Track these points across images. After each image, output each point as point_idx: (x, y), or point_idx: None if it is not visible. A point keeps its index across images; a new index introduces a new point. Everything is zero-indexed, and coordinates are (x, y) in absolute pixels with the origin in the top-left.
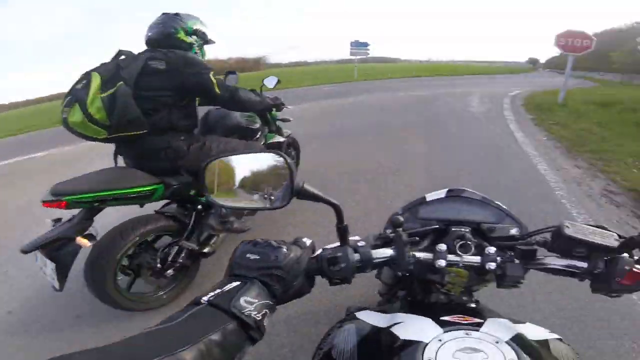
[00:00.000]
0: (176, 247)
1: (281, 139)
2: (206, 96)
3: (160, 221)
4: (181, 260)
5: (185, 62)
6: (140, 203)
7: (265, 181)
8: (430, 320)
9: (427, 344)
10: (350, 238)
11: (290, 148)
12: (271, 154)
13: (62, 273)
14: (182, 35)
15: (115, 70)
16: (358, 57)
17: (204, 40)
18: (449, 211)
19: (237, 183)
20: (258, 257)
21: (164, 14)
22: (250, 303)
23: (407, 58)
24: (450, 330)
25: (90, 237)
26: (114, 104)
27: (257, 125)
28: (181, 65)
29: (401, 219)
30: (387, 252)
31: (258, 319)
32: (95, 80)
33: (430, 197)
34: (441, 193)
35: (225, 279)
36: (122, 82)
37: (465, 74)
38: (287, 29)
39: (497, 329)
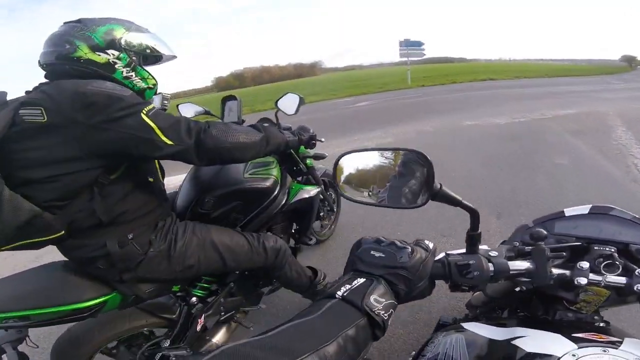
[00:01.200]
0: (159, 355)
1: (313, 192)
2: (147, 153)
3: (138, 319)
4: None
5: (81, 102)
6: (84, 319)
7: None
8: (559, 335)
9: (559, 358)
10: (480, 247)
11: (329, 190)
12: (412, 153)
13: None
14: (84, 52)
15: None
16: (411, 58)
17: (140, 54)
18: (591, 229)
19: (368, 179)
20: (383, 256)
21: (65, 23)
22: (379, 302)
23: (475, 57)
24: (586, 347)
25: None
26: None
27: (270, 182)
28: (72, 108)
29: (544, 232)
30: (524, 264)
31: (385, 317)
32: None
33: (569, 212)
34: (583, 209)
35: (351, 275)
36: None
37: (551, 76)
38: (344, 30)
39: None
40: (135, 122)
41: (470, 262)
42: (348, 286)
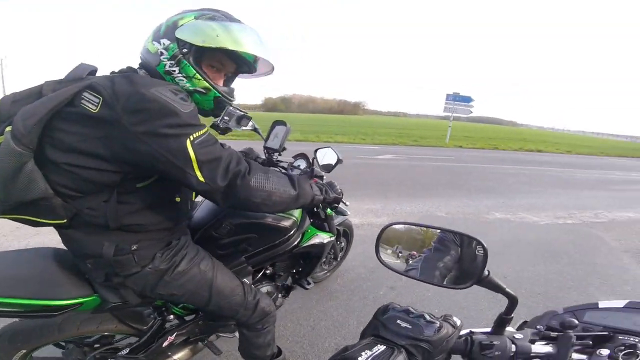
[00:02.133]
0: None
1: (326, 240)
2: (175, 179)
3: (108, 324)
4: None
5: (134, 105)
6: (51, 317)
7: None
8: None
9: None
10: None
11: (339, 240)
12: (471, 239)
13: None
14: (149, 40)
15: (28, 101)
16: (455, 114)
17: (195, 46)
18: (623, 321)
19: (405, 248)
20: (410, 327)
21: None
22: None
23: (526, 123)
24: None
25: None
26: None
27: (290, 222)
28: (123, 108)
29: (576, 322)
30: (546, 348)
31: None
32: None
33: (604, 304)
34: (619, 303)
35: (371, 340)
36: (10, 127)
37: (606, 154)
38: (395, 73)
39: None
40: (177, 146)
41: (495, 342)
42: (369, 352)
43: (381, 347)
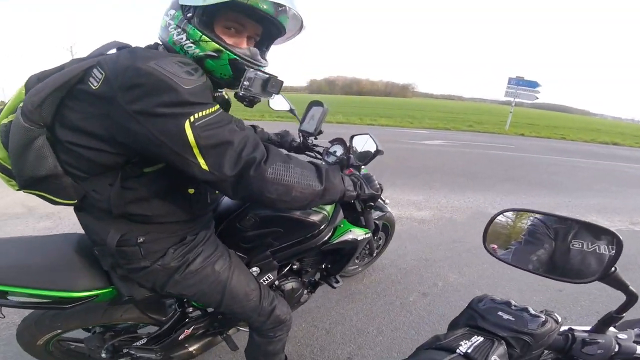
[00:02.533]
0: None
1: (361, 236)
2: (178, 168)
3: (129, 313)
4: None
5: (129, 80)
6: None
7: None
8: None
9: None
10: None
11: (377, 234)
12: (605, 232)
13: None
14: (162, 19)
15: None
16: (518, 99)
17: (191, 13)
18: None
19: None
20: (512, 319)
21: None
22: None
23: (601, 112)
24: None
25: None
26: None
27: (319, 217)
28: (118, 84)
29: None
30: None
31: None
32: (15, 94)
33: None
34: None
35: (466, 330)
36: (22, 104)
37: None
38: (449, 54)
39: None
40: (174, 128)
41: (600, 340)
42: (468, 342)
43: (479, 338)
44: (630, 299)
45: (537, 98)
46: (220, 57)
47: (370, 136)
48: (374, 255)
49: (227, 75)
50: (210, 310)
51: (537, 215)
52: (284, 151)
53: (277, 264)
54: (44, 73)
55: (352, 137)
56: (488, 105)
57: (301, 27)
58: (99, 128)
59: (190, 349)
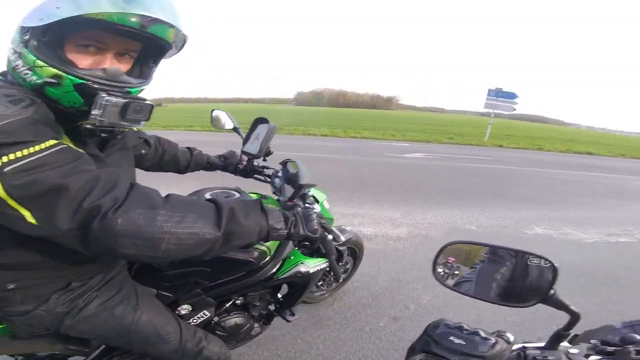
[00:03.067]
0: None
1: (314, 268)
2: (11, 227)
3: (56, 343)
4: None
5: None
6: None
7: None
8: None
9: None
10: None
11: (342, 260)
12: (536, 257)
13: None
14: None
15: None
16: (496, 111)
17: (28, 35)
18: None
19: (464, 270)
20: (463, 343)
21: None
22: None
23: (575, 122)
24: None
25: None
26: None
27: (256, 254)
28: None
29: (638, 337)
30: None
31: None
32: None
33: None
34: None
35: (423, 357)
36: None
37: None
38: (430, 67)
39: None
40: None
41: (550, 357)
42: None
43: None
44: (573, 318)
45: (515, 109)
46: (62, 84)
47: (298, 165)
48: (340, 281)
49: (77, 103)
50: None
51: (482, 249)
52: (235, 189)
53: (214, 300)
54: None
55: (284, 163)
56: (469, 117)
57: (184, 40)
58: None
59: None
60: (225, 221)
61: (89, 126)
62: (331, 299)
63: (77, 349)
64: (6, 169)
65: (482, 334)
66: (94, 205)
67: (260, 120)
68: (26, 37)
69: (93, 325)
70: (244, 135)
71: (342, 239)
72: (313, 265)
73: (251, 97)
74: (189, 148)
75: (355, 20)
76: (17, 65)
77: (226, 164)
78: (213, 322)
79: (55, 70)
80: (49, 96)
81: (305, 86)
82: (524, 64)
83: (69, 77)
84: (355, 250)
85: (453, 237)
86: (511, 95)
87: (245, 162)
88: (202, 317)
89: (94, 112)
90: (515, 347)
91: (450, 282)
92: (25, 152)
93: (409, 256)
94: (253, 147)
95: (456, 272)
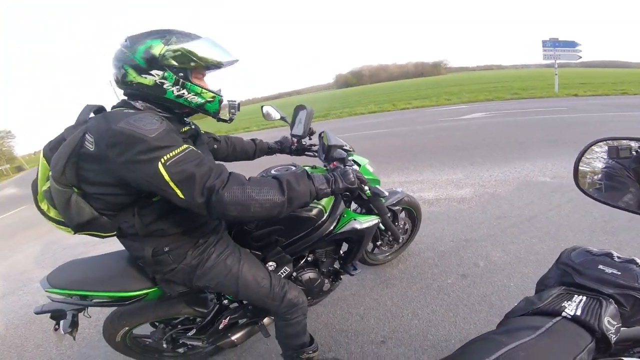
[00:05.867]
0: (180, 342)
1: (367, 224)
2: (168, 199)
3: (176, 307)
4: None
5: (110, 140)
6: (126, 306)
7: None
8: None
9: None
10: None
11: (397, 221)
12: None
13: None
14: (133, 75)
15: (58, 147)
16: (560, 61)
17: (186, 68)
18: None
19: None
20: (618, 273)
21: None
22: (612, 325)
23: (636, 61)
24: None
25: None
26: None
27: (315, 212)
28: (105, 144)
29: None
30: None
31: (614, 341)
32: (41, 165)
33: None
34: None
35: (563, 290)
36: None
37: None
38: (473, 21)
39: None
40: (152, 170)
41: None
42: (572, 304)
43: (582, 297)
44: None
45: (580, 57)
46: (214, 100)
47: (327, 133)
48: (401, 241)
49: (216, 110)
50: (245, 302)
51: (613, 159)
52: (292, 164)
53: (291, 257)
54: (51, 143)
55: (319, 136)
56: (532, 71)
57: (236, 61)
58: (109, 179)
59: (232, 337)
60: (286, 189)
61: (225, 118)
62: (396, 261)
63: (200, 310)
64: (168, 163)
65: (639, 261)
66: (211, 185)
67: (300, 107)
68: (181, 75)
69: (214, 275)
70: (289, 121)
71: (386, 193)
72: (365, 221)
73: (295, 90)
74: (252, 139)
75: None
76: (183, 94)
77: (282, 147)
78: (293, 276)
79: (212, 94)
80: (206, 109)
81: (343, 67)
82: (574, 8)
83: (217, 96)
84: (412, 212)
85: (524, 192)
86: (571, 44)
87: (295, 144)
88: (284, 272)
89: (231, 111)
90: None
91: (595, 191)
92: (174, 152)
93: (476, 215)
94: (298, 129)
95: (597, 186)
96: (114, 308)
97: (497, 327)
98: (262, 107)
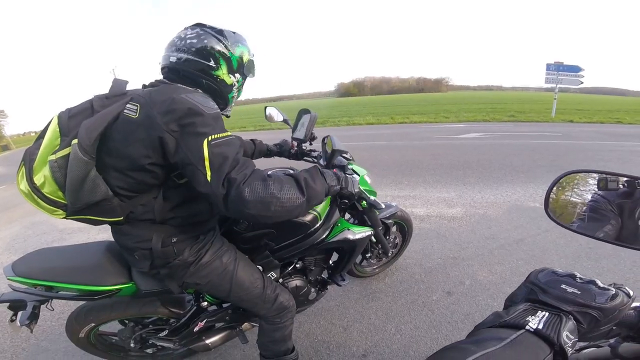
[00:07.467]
0: (149, 342)
1: (360, 234)
2: (189, 179)
3: (150, 306)
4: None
5: (167, 106)
6: (96, 301)
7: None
8: None
9: None
10: None
11: (389, 234)
12: None
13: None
14: (223, 72)
15: (83, 116)
16: (561, 85)
17: (246, 76)
18: None
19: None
20: (578, 292)
21: (197, 25)
22: (570, 339)
23: (634, 89)
24: None
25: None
26: (66, 173)
27: (309, 218)
28: (158, 110)
29: None
30: None
31: (570, 354)
32: (51, 131)
33: None
34: None
35: (528, 306)
36: (77, 140)
37: None
38: (482, 41)
39: None
40: (195, 143)
41: None
42: (535, 318)
43: (545, 313)
44: None
45: (582, 82)
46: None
47: (332, 137)
48: (390, 254)
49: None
50: (225, 305)
51: (599, 192)
52: (289, 168)
53: (278, 263)
54: (71, 110)
55: (323, 140)
56: (531, 94)
57: None
58: (143, 149)
59: (207, 341)
60: (305, 188)
61: (229, 114)
62: (383, 274)
63: (176, 311)
64: (213, 142)
65: (600, 284)
66: (234, 177)
67: (304, 111)
68: (244, 82)
69: (207, 272)
70: (292, 125)
71: (382, 206)
72: (358, 232)
73: (295, 94)
74: (252, 140)
75: (390, 4)
76: (235, 96)
77: (281, 150)
78: (278, 282)
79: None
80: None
81: (345, 77)
82: (578, 34)
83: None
84: (403, 227)
85: (513, 215)
86: (575, 69)
87: (296, 147)
88: (271, 277)
89: (228, 109)
90: (634, 304)
91: (564, 220)
92: (221, 135)
93: (465, 234)
94: (300, 133)
95: (573, 221)
96: (80, 302)
97: (467, 337)
98: (265, 107)
